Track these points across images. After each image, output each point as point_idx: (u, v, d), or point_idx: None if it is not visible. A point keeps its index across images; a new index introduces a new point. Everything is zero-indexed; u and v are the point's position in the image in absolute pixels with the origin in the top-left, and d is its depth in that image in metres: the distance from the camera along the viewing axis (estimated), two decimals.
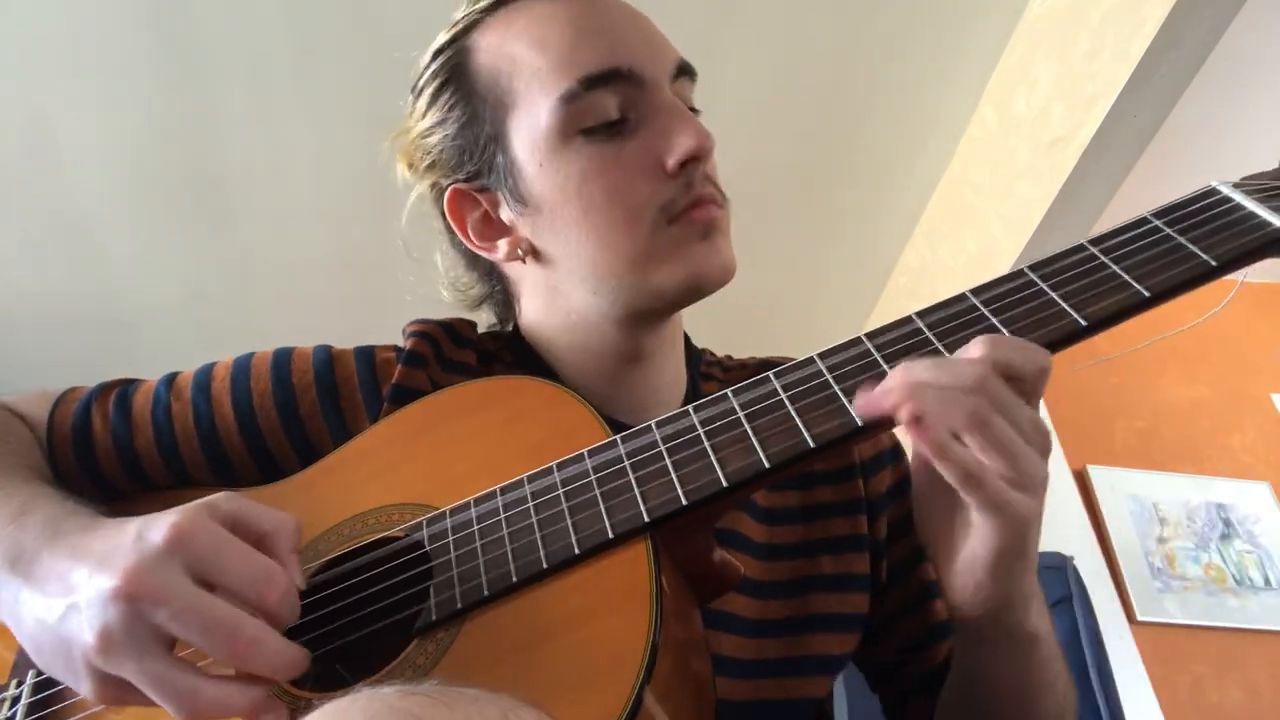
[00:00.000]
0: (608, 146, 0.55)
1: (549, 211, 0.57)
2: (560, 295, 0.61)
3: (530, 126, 0.56)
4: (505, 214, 0.60)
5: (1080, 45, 1.33)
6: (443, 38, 0.61)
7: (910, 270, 1.91)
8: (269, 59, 1.39)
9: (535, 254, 0.60)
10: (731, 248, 0.59)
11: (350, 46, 1.40)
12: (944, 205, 1.76)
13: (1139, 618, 1.66)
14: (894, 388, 0.42)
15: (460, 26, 0.60)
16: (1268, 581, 1.72)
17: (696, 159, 0.55)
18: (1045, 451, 0.42)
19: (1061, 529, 1.56)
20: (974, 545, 0.43)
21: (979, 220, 1.62)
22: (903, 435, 0.46)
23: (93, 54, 1.36)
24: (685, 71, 0.59)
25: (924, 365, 0.42)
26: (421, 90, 0.61)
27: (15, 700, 0.49)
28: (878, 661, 0.65)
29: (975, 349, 0.42)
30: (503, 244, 0.61)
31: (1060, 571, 1.21)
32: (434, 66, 0.61)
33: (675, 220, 0.56)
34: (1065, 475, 1.74)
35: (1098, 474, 1.78)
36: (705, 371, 0.70)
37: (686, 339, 0.71)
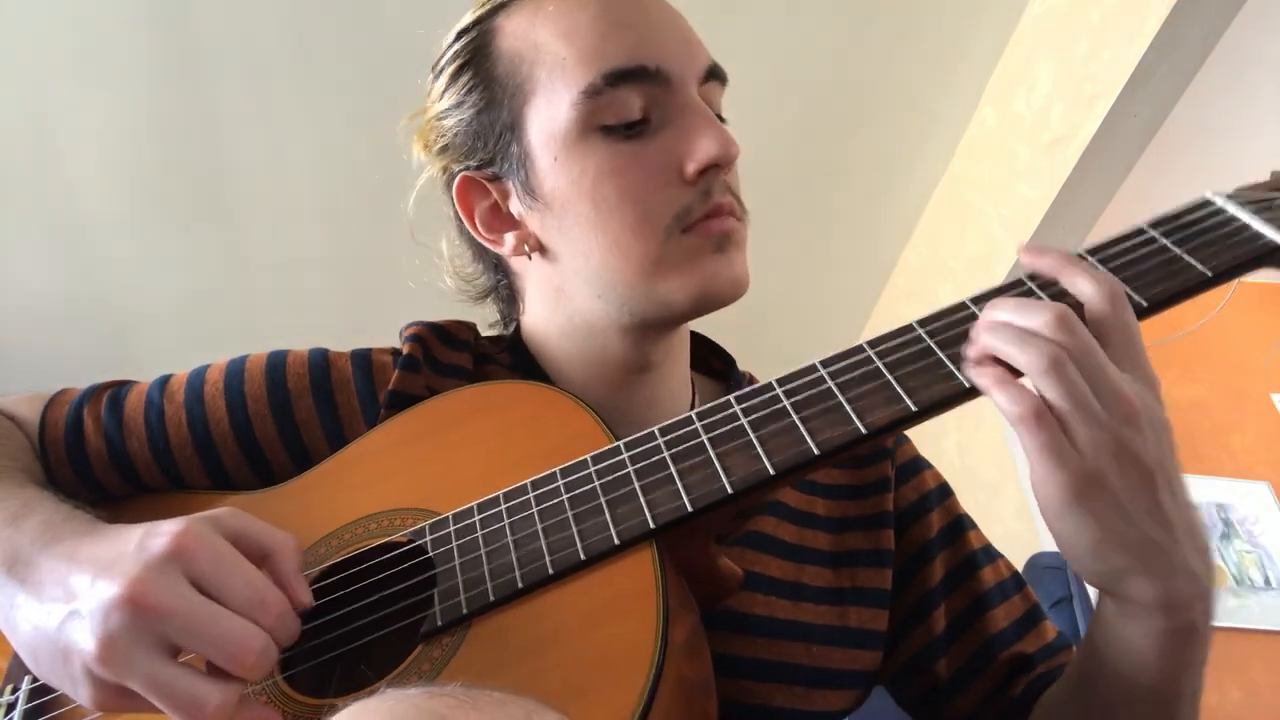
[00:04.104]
0: (626, 146, 0.53)
1: (559, 208, 0.55)
2: (565, 296, 0.59)
3: (548, 118, 0.54)
4: (515, 206, 0.58)
5: (1080, 45, 1.33)
6: (468, 17, 0.59)
7: (910, 270, 1.91)
8: (269, 59, 1.39)
9: (542, 250, 0.58)
10: (746, 262, 0.56)
11: (350, 46, 1.40)
12: (944, 205, 1.76)
13: None
14: (980, 321, 0.43)
15: (487, 7, 0.58)
16: (1268, 581, 1.72)
17: (718, 166, 0.53)
18: (1122, 416, 0.41)
19: None
20: (1036, 496, 0.42)
21: (979, 220, 1.62)
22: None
23: (93, 54, 1.36)
24: (715, 75, 0.57)
25: (1008, 301, 0.44)
26: (441, 70, 0.59)
27: (11, 706, 0.49)
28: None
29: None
30: (510, 237, 0.59)
31: (1060, 571, 1.21)
32: (456, 46, 0.58)
33: (690, 229, 0.54)
34: None
35: None
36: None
37: (733, 363, 0.70)
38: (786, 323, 2.00)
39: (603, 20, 0.53)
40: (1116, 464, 0.40)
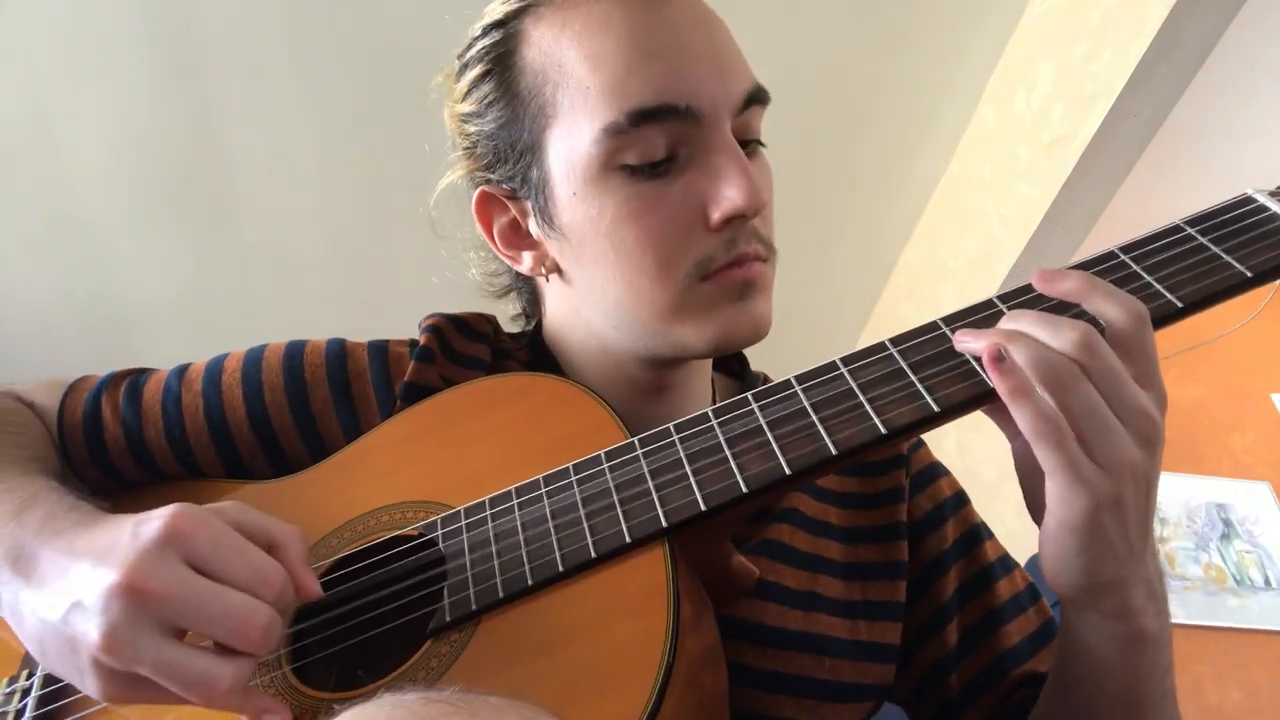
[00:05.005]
0: (649, 186, 0.50)
1: (577, 242, 0.53)
2: (581, 318, 0.59)
3: (569, 149, 0.51)
4: (534, 228, 0.56)
5: (1080, 45, 1.33)
6: (497, 12, 0.56)
7: (910, 270, 1.90)
8: (269, 59, 1.39)
9: (560, 273, 0.57)
10: (770, 304, 0.55)
11: (350, 46, 1.40)
12: (944, 205, 1.76)
13: None
14: (994, 330, 0.42)
15: (516, 5, 0.55)
16: (1268, 581, 1.72)
17: (743, 217, 0.51)
18: (1145, 438, 0.40)
19: None
20: (1048, 511, 0.41)
21: (979, 220, 1.62)
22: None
23: (93, 54, 1.36)
24: (756, 99, 0.54)
25: (1031, 315, 0.43)
26: (466, 67, 0.57)
27: (26, 692, 0.50)
28: None
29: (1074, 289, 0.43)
30: (528, 257, 0.58)
31: None
32: (482, 45, 0.55)
33: (710, 277, 0.52)
34: None
35: None
36: None
37: (746, 363, 0.69)
38: (786, 323, 1.99)
39: (629, 47, 0.50)
40: (1134, 484, 0.40)
